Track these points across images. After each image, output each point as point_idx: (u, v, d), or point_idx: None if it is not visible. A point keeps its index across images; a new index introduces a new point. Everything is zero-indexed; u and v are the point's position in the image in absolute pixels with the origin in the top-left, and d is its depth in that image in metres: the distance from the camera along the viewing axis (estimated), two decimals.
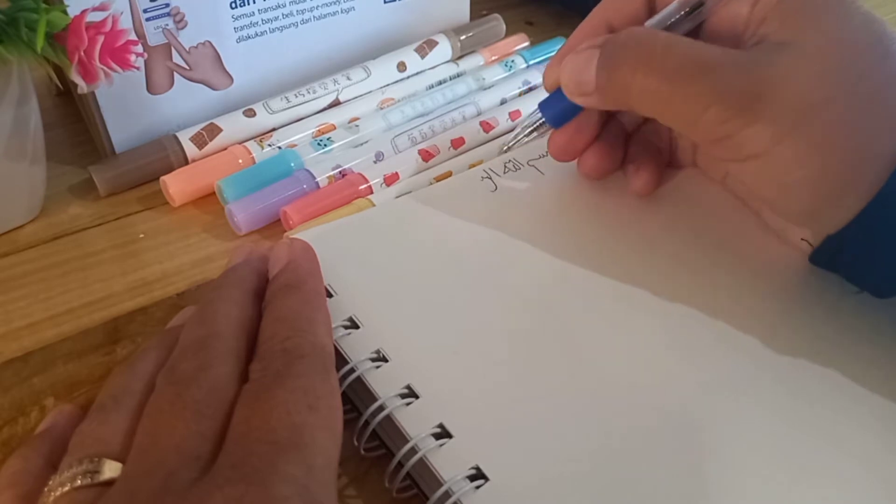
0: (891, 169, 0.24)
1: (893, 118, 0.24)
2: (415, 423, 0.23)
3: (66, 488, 0.19)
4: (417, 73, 0.41)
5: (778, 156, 0.24)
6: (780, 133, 0.24)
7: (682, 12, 0.27)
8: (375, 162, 0.35)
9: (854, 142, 0.24)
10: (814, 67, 0.24)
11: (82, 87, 0.28)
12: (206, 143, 0.36)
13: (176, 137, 0.36)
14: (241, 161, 0.35)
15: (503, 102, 0.40)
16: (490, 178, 0.32)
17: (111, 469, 0.19)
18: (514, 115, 0.39)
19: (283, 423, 0.19)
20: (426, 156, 0.36)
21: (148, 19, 0.34)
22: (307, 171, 0.34)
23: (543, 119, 0.30)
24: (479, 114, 0.39)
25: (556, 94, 0.29)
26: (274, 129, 0.37)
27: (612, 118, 0.31)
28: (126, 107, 0.35)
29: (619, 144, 0.31)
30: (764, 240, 0.30)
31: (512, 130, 0.32)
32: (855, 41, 0.24)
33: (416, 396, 0.24)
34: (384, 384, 0.24)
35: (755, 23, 0.25)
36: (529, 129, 0.31)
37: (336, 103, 0.39)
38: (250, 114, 0.37)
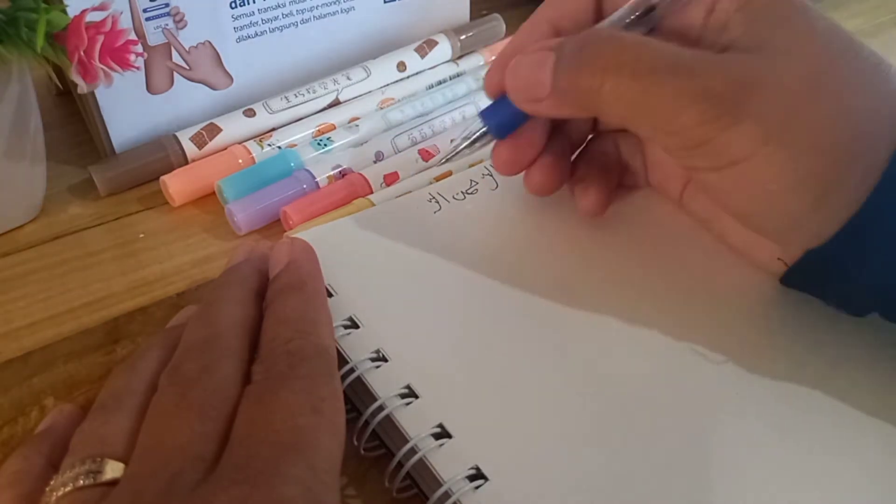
0: (880, 167, 0.22)
1: (883, 107, 0.23)
2: (414, 423, 0.23)
3: (69, 488, 0.19)
4: (417, 73, 0.41)
5: (762, 161, 0.22)
6: (767, 134, 0.22)
7: (635, 15, 0.25)
8: (375, 162, 0.35)
9: (844, 138, 0.22)
10: (796, 64, 0.22)
11: (82, 87, 0.28)
12: (205, 143, 0.36)
13: (176, 137, 0.36)
14: (241, 161, 0.35)
15: None
16: (491, 175, 0.32)
17: (113, 469, 0.19)
18: None
19: (286, 425, 0.19)
20: (426, 156, 0.36)
21: (148, 19, 0.34)
22: (307, 170, 0.34)
23: (486, 128, 0.27)
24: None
25: (500, 102, 0.27)
26: (274, 129, 0.37)
27: (557, 133, 0.29)
28: (126, 107, 0.35)
29: (566, 159, 0.30)
30: (727, 261, 0.29)
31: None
32: (828, 41, 0.23)
33: (416, 396, 0.24)
34: (384, 384, 0.24)
35: (714, 31, 0.24)
36: (470, 140, 0.28)
37: (336, 103, 0.39)
38: (250, 114, 0.37)
